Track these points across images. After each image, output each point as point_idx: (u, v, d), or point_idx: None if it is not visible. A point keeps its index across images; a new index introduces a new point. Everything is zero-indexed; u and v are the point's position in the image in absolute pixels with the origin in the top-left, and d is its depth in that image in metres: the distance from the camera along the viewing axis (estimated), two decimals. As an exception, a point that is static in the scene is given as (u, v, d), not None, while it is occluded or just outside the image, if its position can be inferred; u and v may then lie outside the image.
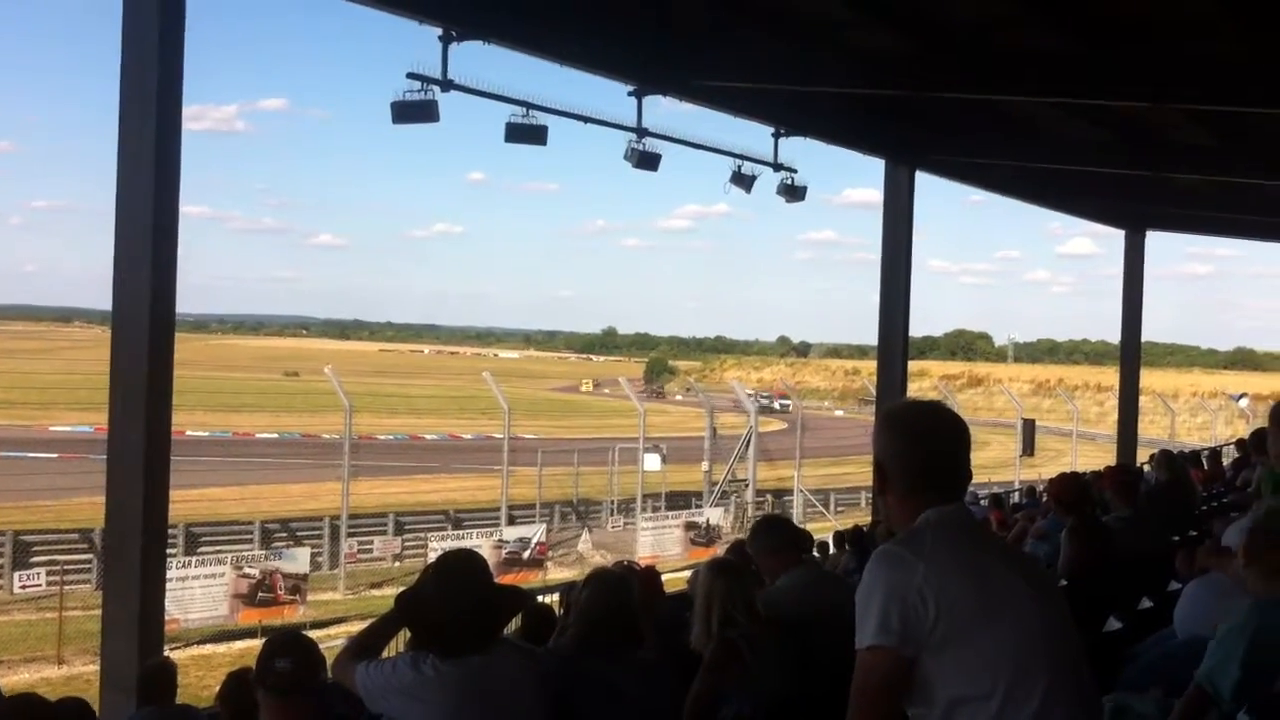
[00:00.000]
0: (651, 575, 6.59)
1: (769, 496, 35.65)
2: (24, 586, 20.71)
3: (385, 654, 3.93)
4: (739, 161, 14.28)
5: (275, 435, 50.98)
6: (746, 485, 33.85)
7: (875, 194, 15.90)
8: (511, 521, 26.93)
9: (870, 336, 16.14)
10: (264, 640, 3.92)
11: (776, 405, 78.71)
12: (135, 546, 7.89)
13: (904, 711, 2.63)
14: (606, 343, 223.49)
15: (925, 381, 71.40)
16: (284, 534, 26.32)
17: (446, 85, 10.75)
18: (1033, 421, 41.39)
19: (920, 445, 2.76)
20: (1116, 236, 20.98)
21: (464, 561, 3.85)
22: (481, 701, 3.56)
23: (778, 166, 14.52)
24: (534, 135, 11.96)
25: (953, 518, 2.70)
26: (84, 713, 5.59)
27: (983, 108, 12.87)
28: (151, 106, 7.83)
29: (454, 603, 3.62)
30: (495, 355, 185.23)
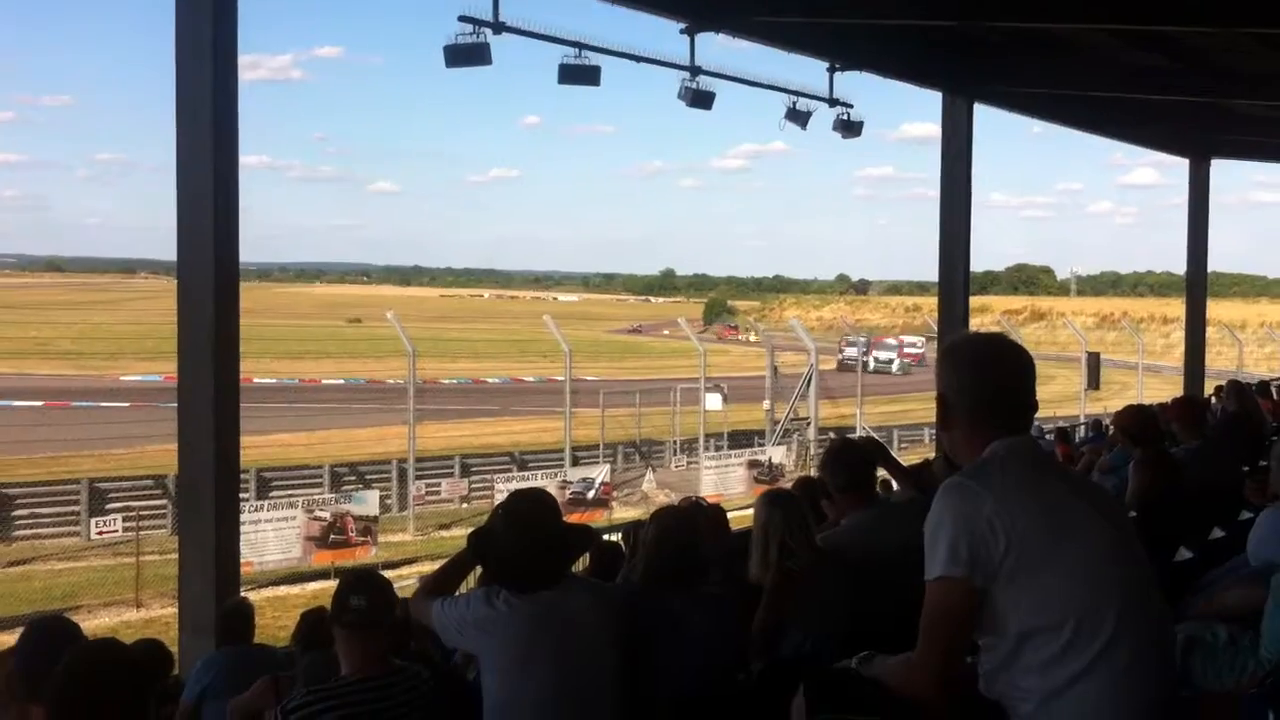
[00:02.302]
0: (717, 512, 6.65)
1: (831, 434, 35.60)
2: (101, 533, 21.14)
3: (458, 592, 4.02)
4: (794, 98, 14.11)
5: (341, 381, 51.43)
6: (808, 423, 33.79)
7: (933, 128, 15.70)
8: (576, 462, 27.09)
9: (930, 273, 16.00)
10: (338, 580, 4.01)
11: (895, 365, 64.75)
12: (209, 491, 8.05)
13: (974, 641, 2.64)
14: (665, 284, 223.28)
15: (987, 317, 70.67)
16: (353, 477, 26.66)
17: (498, 28, 10.72)
18: (1097, 355, 40.87)
19: (985, 378, 2.75)
20: (1181, 165, 20.58)
21: (533, 500, 3.92)
22: (553, 634, 3.63)
23: (833, 102, 14.33)
24: (587, 76, 11.90)
25: (1020, 449, 2.69)
26: (159, 654, 5.74)
27: (1042, 37, 12.61)
28: (207, 56, 7.88)
29: (524, 540, 3.69)
30: (554, 299, 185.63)
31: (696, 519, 4.56)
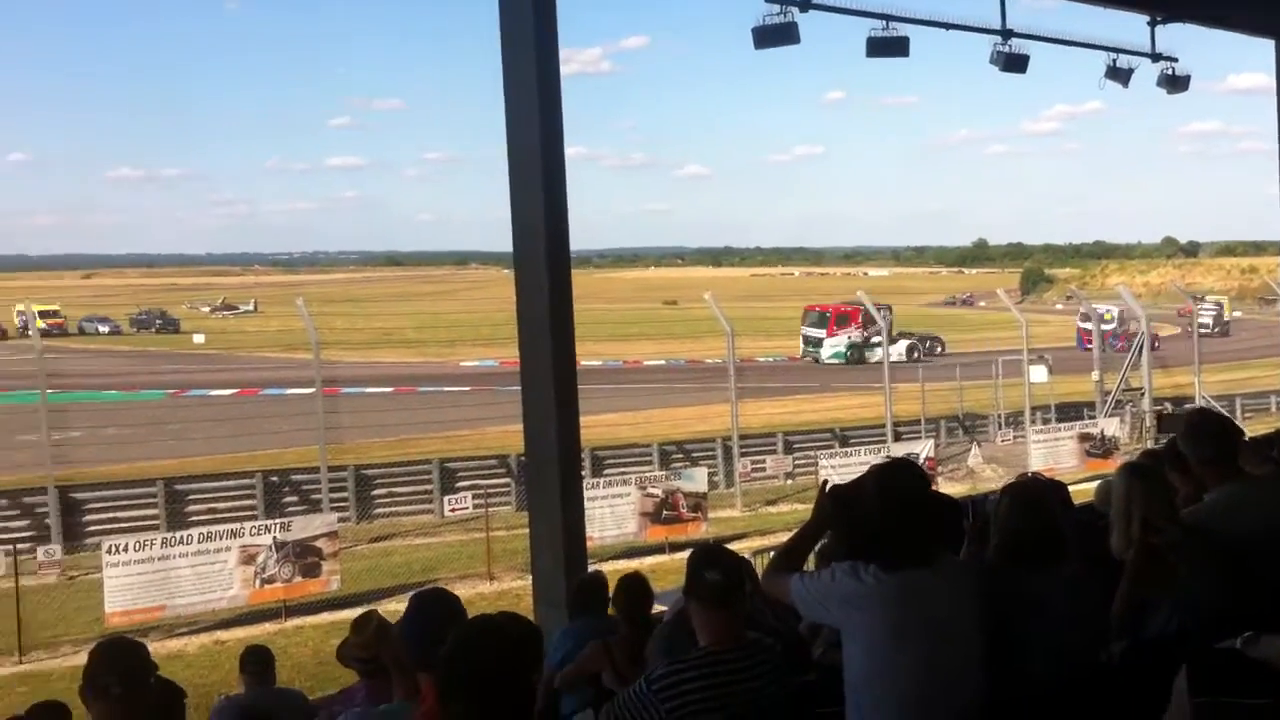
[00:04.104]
0: (1059, 487, 6.44)
1: (1167, 405, 33.67)
2: (453, 510, 22.27)
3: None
4: (1114, 55, 13.56)
5: (662, 361, 52.53)
6: (1142, 394, 32.11)
7: (1264, 77, 14.62)
8: (897, 438, 26.76)
9: (1268, 231, 14.89)
10: (690, 553, 4.10)
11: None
12: (554, 471, 8.39)
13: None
14: (978, 255, 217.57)
15: (1332, 276, 65.16)
16: (680, 455, 27.17)
17: (805, 5, 10.69)
18: None
19: None
20: None
21: (904, 471, 3.91)
22: (922, 610, 3.61)
23: (1156, 56, 13.67)
24: (896, 47, 11.77)
25: None
26: (535, 632, 6.04)
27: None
28: (531, 53, 8.14)
29: (895, 513, 3.68)
30: (865, 274, 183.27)
31: (1050, 495, 4.42)
